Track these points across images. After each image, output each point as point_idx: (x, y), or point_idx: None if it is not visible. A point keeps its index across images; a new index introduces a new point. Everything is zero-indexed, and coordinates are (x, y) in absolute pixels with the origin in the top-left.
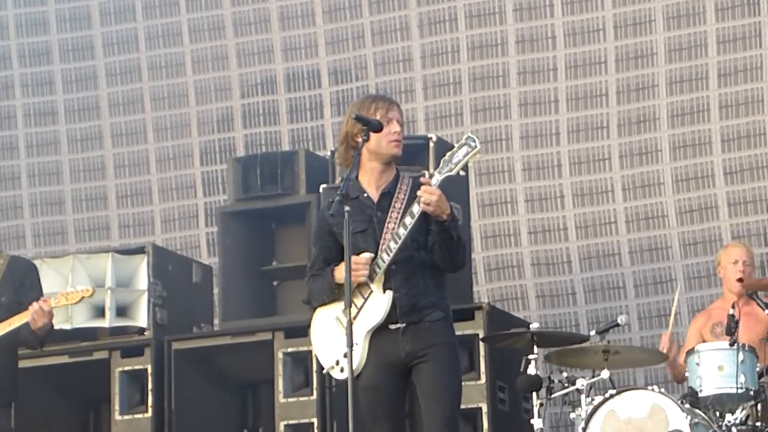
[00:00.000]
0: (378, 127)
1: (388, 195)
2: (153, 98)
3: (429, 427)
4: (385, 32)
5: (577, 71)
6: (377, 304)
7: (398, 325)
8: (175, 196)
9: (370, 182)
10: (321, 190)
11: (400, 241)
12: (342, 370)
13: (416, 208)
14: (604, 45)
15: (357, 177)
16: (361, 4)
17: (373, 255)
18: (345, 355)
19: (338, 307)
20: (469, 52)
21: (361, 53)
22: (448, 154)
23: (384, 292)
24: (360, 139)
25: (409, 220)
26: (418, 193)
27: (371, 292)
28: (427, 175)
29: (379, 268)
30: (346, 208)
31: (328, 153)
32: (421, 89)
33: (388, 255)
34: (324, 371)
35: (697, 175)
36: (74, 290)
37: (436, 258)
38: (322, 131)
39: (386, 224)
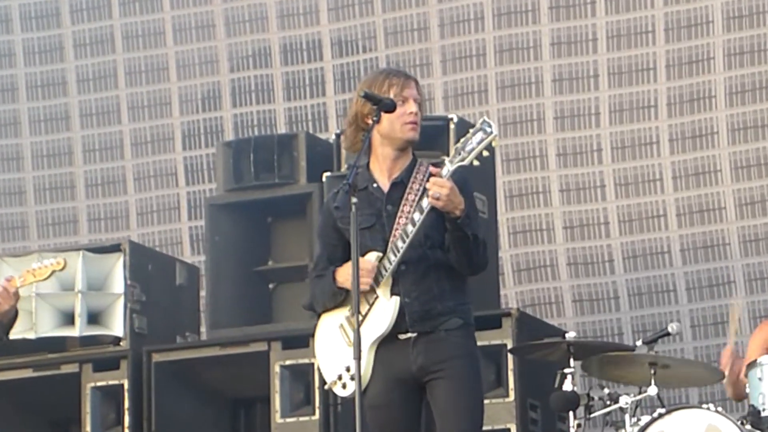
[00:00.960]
0: (391, 107)
1: (400, 185)
2: (128, 72)
3: None
4: None
5: (621, 41)
6: (382, 311)
7: (408, 335)
8: (153, 184)
9: (382, 170)
10: (324, 179)
11: (408, 240)
12: (344, 386)
13: (426, 203)
14: (651, 12)
15: (368, 164)
16: None
17: (380, 255)
18: (348, 369)
19: (344, 312)
20: (494, 19)
21: (370, 20)
22: (461, 140)
23: (390, 297)
24: (370, 121)
25: (418, 216)
26: (427, 185)
27: (377, 297)
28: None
29: (386, 271)
30: (354, 200)
31: (333, 136)
32: (439, 62)
33: (395, 255)
34: (326, 387)
35: (760, 161)
36: (42, 265)
37: (452, 259)
38: (323, 111)
39: (397, 219)
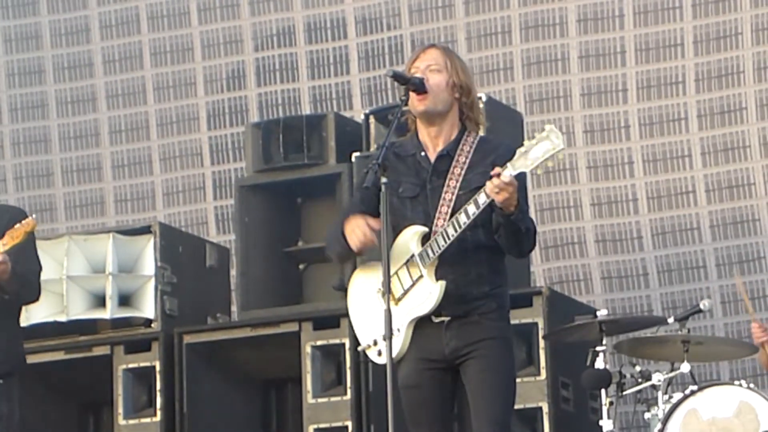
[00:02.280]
0: (420, 86)
1: (446, 158)
2: (153, 53)
3: (478, 430)
4: None
5: (648, 17)
6: (426, 293)
7: (442, 318)
8: (179, 164)
9: (431, 139)
10: (353, 160)
11: (460, 230)
12: (380, 353)
13: (482, 199)
14: (681, 24)
15: (417, 134)
16: None
17: (425, 231)
18: (385, 338)
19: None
20: None
21: None
22: (526, 144)
23: (437, 281)
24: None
25: (473, 210)
26: (487, 184)
27: (421, 276)
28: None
29: (434, 254)
30: (383, 180)
31: (362, 116)
32: (464, 39)
33: (445, 241)
34: (359, 349)
35: None
36: (18, 226)
37: (501, 242)
38: (348, 89)
39: (443, 193)
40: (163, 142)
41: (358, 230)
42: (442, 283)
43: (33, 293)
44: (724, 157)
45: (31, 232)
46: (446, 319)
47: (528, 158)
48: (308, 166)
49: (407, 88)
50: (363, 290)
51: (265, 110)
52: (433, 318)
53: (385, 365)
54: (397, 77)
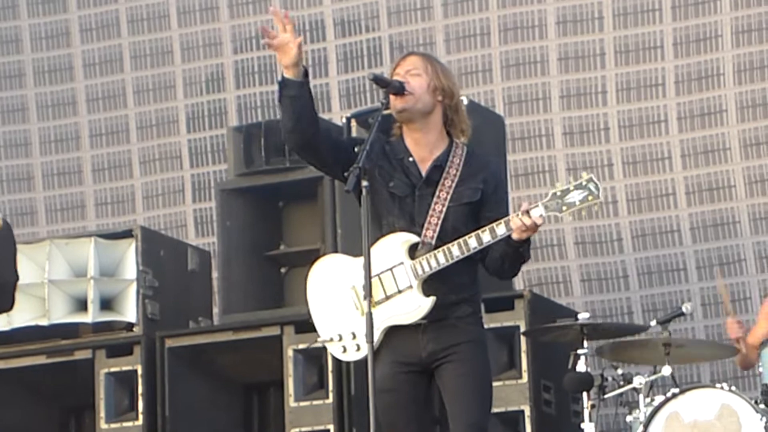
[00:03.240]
0: (399, 89)
1: (438, 168)
2: (133, 56)
3: None
4: None
5: (627, 19)
6: (414, 305)
7: (419, 322)
8: (158, 167)
9: (418, 147)
10: None
11: (466, 254)
12: (344, 350)
13: (501, 230)
14: (661, 27)
15: (402, 137)
16: None
17: (418, 241)
18: (353, 336)
19: (358, 270)
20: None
21: (372, 0)
22: (561, 189)
23: (425, 293)
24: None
25: (487, 239)
26: (514, 220)
27: (410, 287)
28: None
29: (430, 269)
30: (364, 183)
31: (342, 118)
32: (442, 41)
33: (446, 260)
34: (318, 341)
35: None
36: None
37: (493, 265)
38: (326, 91)
39: (432, 203)
40: (142, 145)
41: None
42: (433, 299)
43: (6, 302)
44: (704, 159)
45: (1, 232)
46: (423, 322)
47: (563, 203)
48: (290, 170)
49: (387, 91)
50: (328, 281)
51: (244, 113)
52: None
53: (357, 362)
54: (378, 80)
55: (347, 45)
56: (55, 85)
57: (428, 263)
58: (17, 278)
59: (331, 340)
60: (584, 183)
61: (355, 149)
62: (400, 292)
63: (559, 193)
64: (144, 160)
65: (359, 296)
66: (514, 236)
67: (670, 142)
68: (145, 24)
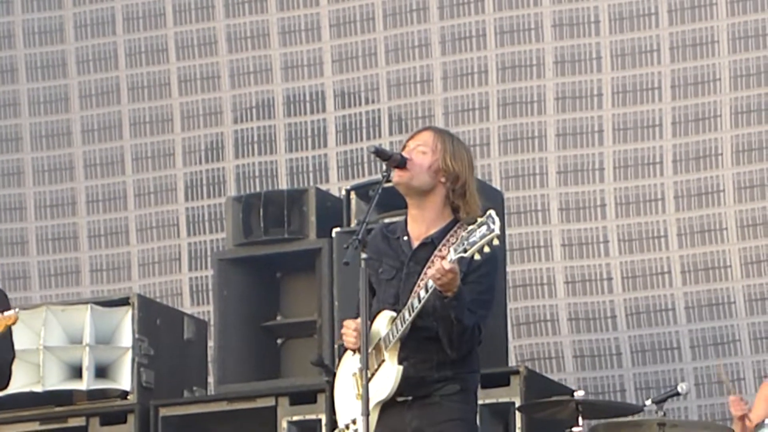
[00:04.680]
0: (401, 163)
1: (429, 246)
2: (132, 123)
3: None
4: (401, 49)
5: (625, 60)
6: (387, 376)
7: (404, 398)
8: (156, 235)
9: (417, 225)
10: (334, 235)
11: (414, 314)
12: None
13: (430, 283)
14: (657, 31)
15: (406, 217)
16: (374, 16)
17: (394, 316)
18: (353, 422)
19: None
20: (498, 73)
21: (373, 72)
22: (468, 229)
23: (396, 363)
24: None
25: (423, 294)
26: (430, 269)
27: (384, 360)
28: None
29: (392, 337)
30: (363, 255)
31: (342, 190)
32: (441, 114)
33: (401, 325)
34: None
35: (767, 220)
36: (1, 317)
37: (439, 335)
38: (325, 162)
39: (418, 281)
40: (140, 212)
41: (344, 336)
42: (400, 368)
43: (3, 381)
44: (700, 238)
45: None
46: (408, 399)
47: (468, 242)
48: (288, 241)
49: (389, 164)
50: (343, 371)
51: (243, 182)
52: (398, 398)
53: None
54: (379, 153)
55: (346, 116)
56: (53, 149)
57: (391, 333)
58: (14, 356)
59: (345, 428)
60: (484, 219)
61: None
62: (378, 367)
63: (465, 234)
64: (141, 227)
65: (358, 382)
66: (436, 286)
67: (667, 220)
68: (146, 91)
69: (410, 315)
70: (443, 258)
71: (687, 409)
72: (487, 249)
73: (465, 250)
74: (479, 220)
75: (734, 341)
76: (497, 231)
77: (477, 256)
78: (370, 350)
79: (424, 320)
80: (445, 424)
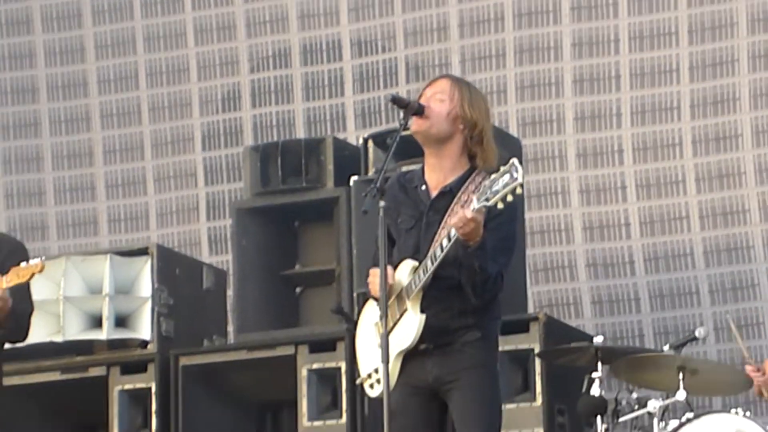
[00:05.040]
0: (419, 111)
1: (448, 194)
2: (149, 73)
3: None
4: None
5: (643, 42)
6: (409, 325)
7: (426, 346)
8: (173, 185)
9: (435, 174)
10: (351, 183)
11: (436, 263)
12: (372, 386)
13: (453, 231)
14: (675, 13)
15: (423, 166)
16: None
17: (416, 265)
18: (376, 371)
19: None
20: (514, 20)
21: (389, 21)
22: (490, 178)
23: (418, 313)
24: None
25: (446, 243)
26: (452, 218)
27: (406, 309)
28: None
29: (415, 286)
30: (381, 203)
31: (360, 139)
32: (458, 62)
33: (424, 274)
34: (357, 382)
35: None
36: (27, 265)
37: (462, 282)
38: (342, 111)
39: (439, 230)
40: (157, 162)
41: (370, 284)
42: (423, 317)
43: (21, 334)
44: (718, 183)
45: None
46: (429, 347)
47: (491, 191)
48: (306, 190)
49: (407, 113)
50: (364, 321)
51: (260, 132)
52: (419, 346)
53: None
54: (397, 101)
55: (363, 65)
56: (69, 100)
57: (414, 282)
58: (33, 309)
59: (366, 378)
60: (507, 168)
61: None
62: (401, 316)
63: (489, 183)
64: (158, 177)
65: (379, 331)
66: (459, 235)
67: (685, 165)
68: (162, 42)
69: (432, 264)
70: (464, 207)
71: (706, 353)
72: (510, 198)
73: (488, 199)
74: (502, 168)
75: (753, 285)
76: (520, 179)
77: (500, 205)
78: (392, 300)
79: (447, 269)
80: (467, 371)
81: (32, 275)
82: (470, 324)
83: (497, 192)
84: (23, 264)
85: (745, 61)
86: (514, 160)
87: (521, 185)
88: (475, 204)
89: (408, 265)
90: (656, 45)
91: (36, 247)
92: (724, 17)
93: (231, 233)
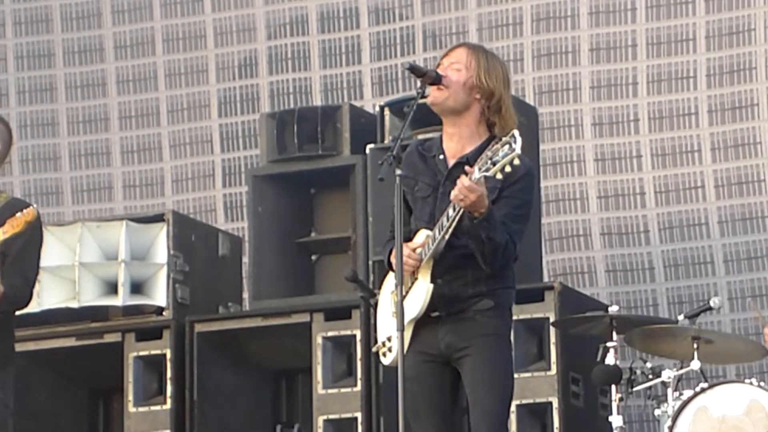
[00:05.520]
0: (436, 79)
1: (465, 164)
2: (166, 39)
3: (474, 425)
4: None
5: (660, 11)
6: (419, 294)
7: (438, 313)
8: (189, 151)
9: (453, 143)
10: (368, 151)
11: (443, 232)
12: (385, 354)
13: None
14: None
15: (441, 135)
16: None
17: (430, 234)
18: (389, 339)
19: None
20: None
21: None
22: (491, 149)
23: (428, 281)
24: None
25: (451, 213)
26: (456, 188)
27: (417, 278)
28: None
29: (424, 255)
30: (398, 171)
31: (376, 107)
32: (475, 30)
33: (433, 242)
34: (373, 348)
35: None
36: (20, 214)
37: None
38: (359, 79)
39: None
40: (173, 128)
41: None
42: (431, 285)
43: (21, 304)
44: (734, 153)
45: (33, 222)
46: (442, 315)
47: (491, 161)
48: (322, 157)
49: (424, 81)
50: (384, 291)
51: (276, 99)
52: (432, 314)
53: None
54: (414, 69)
55: (380, 33)
56: (85, 65)
57: (424, 251)
58: (37, 272)
59: (380, 346)
60: (507, 139)
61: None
62: (412, 285)
63: (490, 154)
64: (174, 143)
65: (394, 300)
66: (460, 205)
67: (701, 134)
68: (179, 8)
69: (439, 234)
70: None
71: (720, 323)
72: (508, 168)
73: (487, 170)
74: (503, 139)
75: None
76: (518, 150)
77: (498, 175)
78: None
79: (460, 239)
80: (478, 339)
81: (26, 223)
82: (483, 292)
83: (497, 162)
84: (18, 214)
85: (762, 30)
86: (515, 131)
87: (518, 156)
88: (476, 174)
89: (424, 234)
90: (673, 14)
91: (51, 212)
92: (742, 23)
93: (247, 200)
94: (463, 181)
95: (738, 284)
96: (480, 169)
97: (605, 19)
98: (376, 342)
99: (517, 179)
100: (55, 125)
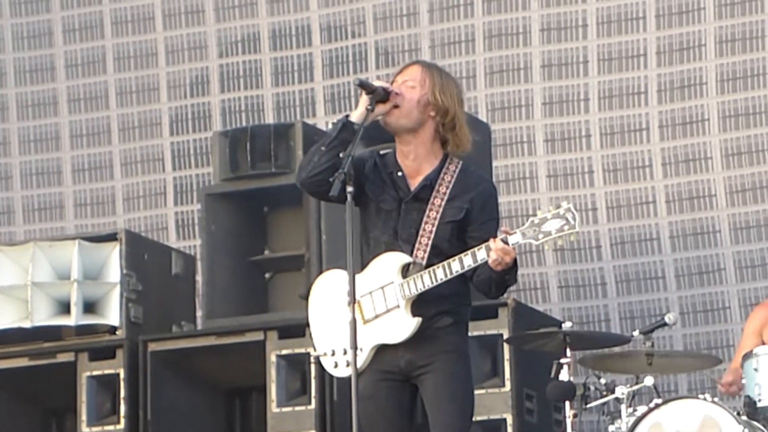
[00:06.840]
0: (383, 97)
1: (428, 187)
2: (117, 57)
3: None
4: None
5: (611, 27)
6: (400, 324)
7: None
8: (140, 170)
9: (408, 162)
10: None
11: (450, 277)
12: (336, 365)
13: (481, 255)
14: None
15: (395, 152)
16: None
17: (411, 262)
18: (345, 352)
19: (358, 283)
20: (484, 5)
21: (359, 6)
22: (539, 216)
23: (412, 315)
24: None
25: (468, 262)
26: (492, 247)
27: (397, 307)
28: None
29: (416, 290)
30: (349, 189)
31: (328, 124)
32: (428, 47)
33: (432, 282)
34: (313, 355)
35: (750, 148)
36: None
37: (477, 283)
38: (312, 96)
39: (422, 224)
40: (124, 147)
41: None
42: (418, 320)
43: None
44: (685, 168)
45: None
46: None
47: (540, 231)
48: (275, 175)
49: (373, 98)
50: (327, 297)
51: (229, 117)
52: None
53: (345, 376)
54: (363, 85)
55: (333, 50)
56: (37, 84)
57: (415, 284)
58: None
59: (325, 354)
60: (562, 212)
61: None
62: (388, 311)
63: (537, 221)
64: (125, 162)
65: (362, 310)
66: (494, 266)
67: (652, 150)
68: (130, 26)
69: (446, 276)
70: (505, 237)
71: (672, 338)
72: (560, 242)
73: (536, 238)
74: (552, 211)
75: (719, 270)
76: (578, 228)
77: (546, 247)
78: (376, 288)
79: (433, 260)
80: (441, 355)
81: None
82: (444, 310)
83: (548, 234)
84: None
85: (712, 46)
86: (571, 207)
87: (577, 234)
88: (518, 238)
89: (397, 258)
90: (623, 30)
91: (2, 231)
92: (692, 39)
93: (199, 218)
94: (504, 247)
95: (690, 299)
96: (525, 235)
97: (557, 35)
98: (314, 347)
99: (485, 201)
100: (7, 144)
